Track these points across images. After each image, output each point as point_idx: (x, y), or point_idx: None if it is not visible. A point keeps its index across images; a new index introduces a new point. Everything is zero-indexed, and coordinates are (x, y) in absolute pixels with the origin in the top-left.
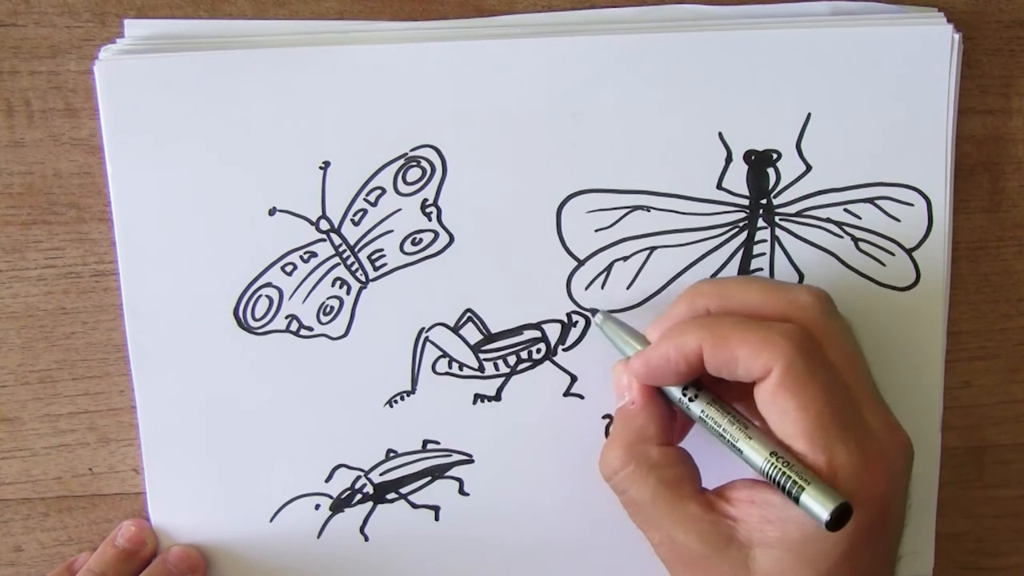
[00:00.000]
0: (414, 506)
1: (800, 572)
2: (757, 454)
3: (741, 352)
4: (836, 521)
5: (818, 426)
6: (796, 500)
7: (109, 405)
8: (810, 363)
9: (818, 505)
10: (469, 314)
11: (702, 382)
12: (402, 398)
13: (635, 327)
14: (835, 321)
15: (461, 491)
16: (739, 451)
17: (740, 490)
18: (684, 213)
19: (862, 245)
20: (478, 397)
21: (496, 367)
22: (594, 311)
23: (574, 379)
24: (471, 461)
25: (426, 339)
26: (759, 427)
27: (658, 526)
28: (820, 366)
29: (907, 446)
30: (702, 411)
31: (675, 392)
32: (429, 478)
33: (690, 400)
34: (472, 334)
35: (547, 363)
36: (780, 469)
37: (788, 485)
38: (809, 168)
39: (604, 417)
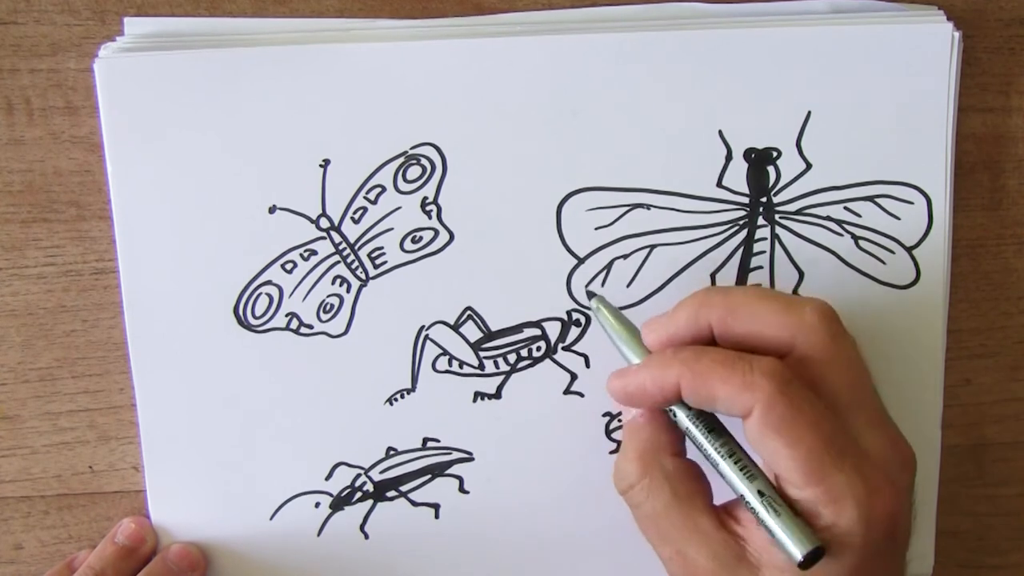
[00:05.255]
0: (414, 504)
1: None
2: (737, 482)
3: (720, 392)
4: (808, 562)
5: (811, 459)
6: (772, 535)
7: (109, 403)
8: (792, 400)
9: (791, 546)
10: (469, 312)
11: None
12: (402, 396)
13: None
14: (840, 342)
15: (461, 489)
16: (720, 474)
17: (745, 510)
18: (684, 211)
19: (862, 243)
20: (478, 395)
21: (496, 365)
22: (591, 294)
23: (574, 377)
24: (471, 459)
25: (426, 337)
26: (740, 451)
27: (670, 541)
28: (804, 400)
29: (910, 460)
30: (687, 427)
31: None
32: (429, 476)
33: (673, 416)
34: (472, 332)
35: (547, 361)
36: (753, 506)
37: (762, 521)
38: (809, 166)
39: (604, 415)
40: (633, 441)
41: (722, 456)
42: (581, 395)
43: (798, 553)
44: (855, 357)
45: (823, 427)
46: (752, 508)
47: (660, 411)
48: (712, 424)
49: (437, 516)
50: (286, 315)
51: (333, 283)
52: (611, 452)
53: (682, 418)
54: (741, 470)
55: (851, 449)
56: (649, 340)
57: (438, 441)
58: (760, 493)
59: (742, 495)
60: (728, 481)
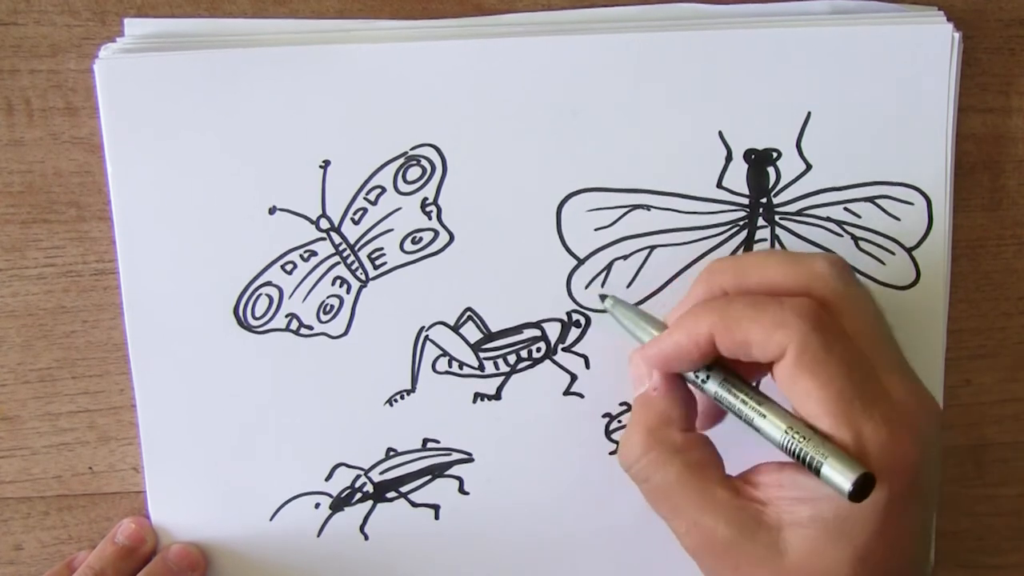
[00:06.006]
0: (414, 505)
1: (835, 548)
2: (775, 428)
3: (753, 335)
4: (859, 492)
5: (841, 402)
6: (817, 472)
7: (109, 404)
8: (826, 338)
9: (839, 476)
10: (469, 313)
11: (720, 359)
12: (402, 397)
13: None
14: (854, 289)
15: (461, 490)
16: (756, 428)
17: (766, 474)
18: (684, 212)
19: (862, 244)
20: (478, 396)
21: (496, 366)
22: (603, 296)
23: (574, 378)
24: (471, 460)
25: (426, 338)
26: (776, 403)
27: (684, 513)
28: (836, 340)
29: (934, 411)
30: (716, 391)
31: (688, 374)
32: (429, 477)
33: (703, 381)
34: (472, 333)
35: (547, 362)
36: (799, 442)
37: (808, 458)
38: (809, 167)
39: (604, 416)
40: (641, 414)
41: (759, 405)
42: (581, 396)
43: (847, 483)
44: (871, 305)
45: (855, 369)
46: (795, 451)
47: (677, 383)
48: (742, 382)
49: (437, 517)
50: (286, 316)
51: (333, 284)
52: (611, 453)
53: (711, 382)
54: (764, 416)
55: (879, 395)
56: (673, 320)
57: (438, 442)
58: (791, 429)
59: (781, 442)
60: (766, 433)
